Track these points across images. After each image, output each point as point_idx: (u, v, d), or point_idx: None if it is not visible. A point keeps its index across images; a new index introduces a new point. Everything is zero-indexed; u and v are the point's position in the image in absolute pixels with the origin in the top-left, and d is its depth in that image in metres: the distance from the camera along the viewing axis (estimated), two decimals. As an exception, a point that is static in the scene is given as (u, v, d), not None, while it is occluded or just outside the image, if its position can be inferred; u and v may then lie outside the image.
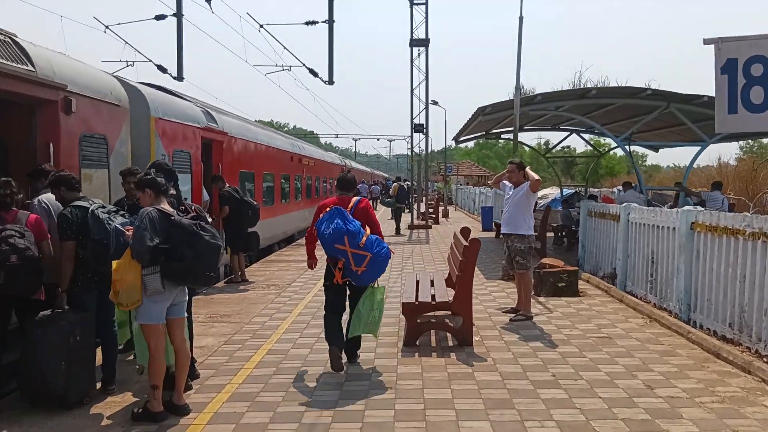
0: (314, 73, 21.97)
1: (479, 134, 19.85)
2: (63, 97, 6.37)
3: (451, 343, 6.69)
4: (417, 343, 6.62)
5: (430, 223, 22.83)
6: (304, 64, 22.14)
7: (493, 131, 19.48)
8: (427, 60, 21.48)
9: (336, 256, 5.44)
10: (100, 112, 7.22)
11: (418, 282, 7.83)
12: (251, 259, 14.41)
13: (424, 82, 22.07)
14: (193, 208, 5.41)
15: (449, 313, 6.73)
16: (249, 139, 13.60)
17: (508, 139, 20.33)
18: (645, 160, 74.42)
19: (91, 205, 5.16)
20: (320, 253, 5.99)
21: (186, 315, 4.90)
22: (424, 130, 22.29)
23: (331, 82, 22.25)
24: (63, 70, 6.49)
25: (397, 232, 20.32)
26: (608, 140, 25.45)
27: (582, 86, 18.25)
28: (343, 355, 5.78)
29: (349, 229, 5.37)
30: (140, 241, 4.33)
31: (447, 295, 6.94)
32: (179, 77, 21.58)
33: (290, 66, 22.77)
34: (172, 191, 5.27)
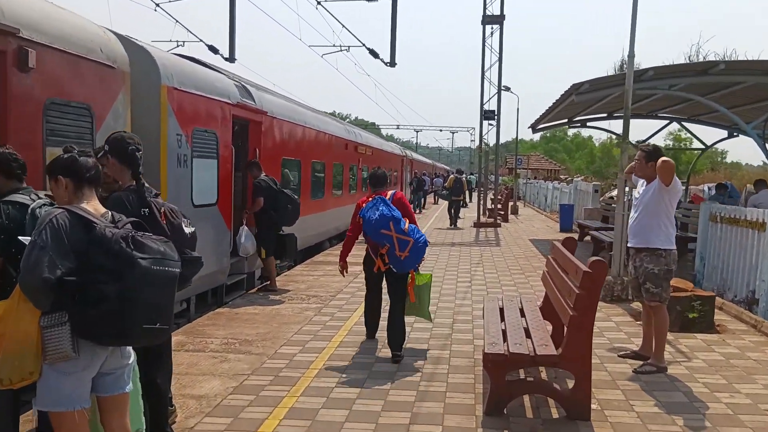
0: (375, 54, 20.05)
1: (561, 121, 17.31)
2: (16, 47, 4.59)
3: (555, 413, 4.52)
4: (505, 411, 4.49)
5: (498, 221, 20.46)
6: (363, 44, 20.25)
7: (578, 118, 16.91)
8: (501, 39, 19.15)
9: (381, 241, 5.62)
10: (81, 72, 5.41)
11: (502, 311, 5.67)
12: (294, 261, 12.58)
13: (497, 64, 19.72)
14: (163, 210, 3.50)
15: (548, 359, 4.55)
16: (295, 121, 11.72)
17: (596, 127, 17.71)
18: (724, 156, 68.61)
19: (34, 200, 3.34)
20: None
21: (126, 390, 2.92)
22: (495, 117, 19.92)
23: (392, 63, 20.27)
24: (17, 10, 4.70)
25: (453, 224, 19.61)
26: (695, 132, 22.12)
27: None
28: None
29: (394, 215, 5.59)
30: (33, 269, 2.42)
31: (548, 339, 4.74)
32: (231, 58, 20.17)
33: (348, 46, 20.92)
34: (132, 184, 3.40)
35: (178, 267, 2.85)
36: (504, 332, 5.09)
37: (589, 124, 17.24)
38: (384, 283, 6.14)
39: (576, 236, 16.05)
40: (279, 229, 9.03)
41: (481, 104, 19.76)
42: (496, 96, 19.73)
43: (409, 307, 6.05)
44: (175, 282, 2.81)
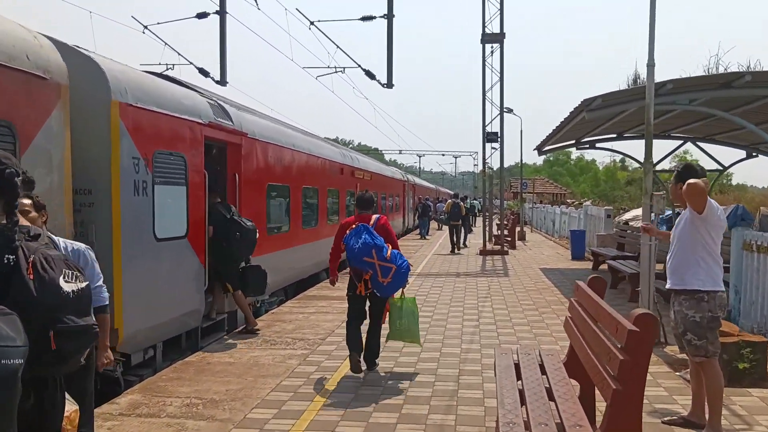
0: (371, 75, 19.27)
1: (569, 143, 16.34)
2: None
3: None
4: None
5: (506, 248, 19.36)
6: (359, 65, 19.48)
7: (586, 139, 15.92)
8: (502, 58, 18.30)
9: (364, 269, 5.84)
10: (-2, 83, 4.46)
11: (517, 368, 4.58)
12: (285, 296, 11.51)
13: (498, 84, 18.84)
14: (32, 259, 2.49)
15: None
16: (282, 144, 10.77)
17: (606, 149, 16.73)
18: (730, 179, 67.58)
19: None
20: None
21: None
22: (498, 139, 18.96)
23: (390, 84, 19.42)
24: None
25: (453, 250, 19.32)
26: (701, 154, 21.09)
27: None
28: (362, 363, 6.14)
29: (376, 243, 5.79)
30: None
31: (581, 416, 3.62)
32: (222, 81, 19.41)
33: (344, 68, 20.11)
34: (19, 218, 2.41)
35: (21, 355, 1.82)
36: (522, 394, 4.02)
37: (598, 145, 16.25)
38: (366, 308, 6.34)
39: (590, 265, 14.97)
40: (237, 262, 8.01)
41: (483, 126, 18.85)
42: (499, 117, 18.81)
43: (399, 331, 6.33)
44: (16, 378, 1.78)
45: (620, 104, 9.80)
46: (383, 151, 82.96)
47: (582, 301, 4.56)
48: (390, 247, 5.96)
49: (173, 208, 6.94)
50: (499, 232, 20.32)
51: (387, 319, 6.35)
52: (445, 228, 27.49)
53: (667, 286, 4.68)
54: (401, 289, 6.20)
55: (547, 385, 4.19)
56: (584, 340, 4.06)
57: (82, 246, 3.55)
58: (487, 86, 18.65)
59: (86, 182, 5.80)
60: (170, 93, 7.10)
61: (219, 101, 8.77)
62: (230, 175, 8.74)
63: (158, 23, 17.94)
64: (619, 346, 3.24)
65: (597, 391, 3.80)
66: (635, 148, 19.66)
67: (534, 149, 16.85)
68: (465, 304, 10.18)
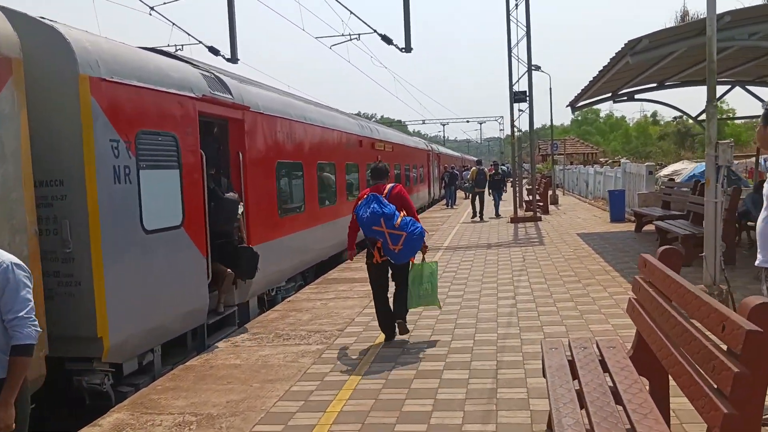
0: (388, 40, 18.22)
1: (604, 96, 15.09)
2: None
3: None
4: None
5: (538, 214, 18.32)
6: (375, 30, 18.46)
7: (624, 91, 14.67)
8: (528, 11, 16.99)
9: (374, 237, 5.95)
10: None
11: (572, 365, 3.71)
12: (304, 280, 10.78)
13: (525, 40, 17.56)
14: None
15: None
16: (291, 117, 9.90)
17: (646, 100, 15.46)
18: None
19: None
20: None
21: None
22: (527, 99, 17.77)
23: (408, 48, 18.36)
24: None
25: (478, 216, 19.17)
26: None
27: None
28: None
29: (385, 212, 5.87)
30: None
31: (653, 419, 2.74)
32: (233, 59, 18.67)
33: (358, 34, 19.08)
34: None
35: None
36: (580, 398, 3.20)
37: (637, 96, 14.98)
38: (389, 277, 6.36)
39: (634, 228, 13.87)
40: (222, 237, 7.42)
41: (510, 85, 17.65)
42: (527, 75, 17.59)
43: (419, 297, 6.34)
44: None
45: (668, 44, 8.62)
46: (406, 123, 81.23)
47: (653, 281, 3.64)
48: (402, 214, 6.03)
49: (164, 194, 6.17)
50: (531, 197, 19.24)
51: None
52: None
53: (757, 262, 3.71)
54: (421, 255, 6.36)
55: (612, 385, 3.35)
56: (663, 333, 3.15)
57: (6, 259, 2.77)
58: (513, 42, 17.42)
59: (56, 172, 5.06)
60: (154, 65, 6.27)
61: (216, 73, 7.93)
62: (233, 154, 7.95)
63: (165, 3, 17.09)
64: (730, 350, 2.34)
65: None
66: (677, 97, 18.17)
67: (567, 106, 15.66)
68: (499, 280, 9.29)
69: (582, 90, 14.02)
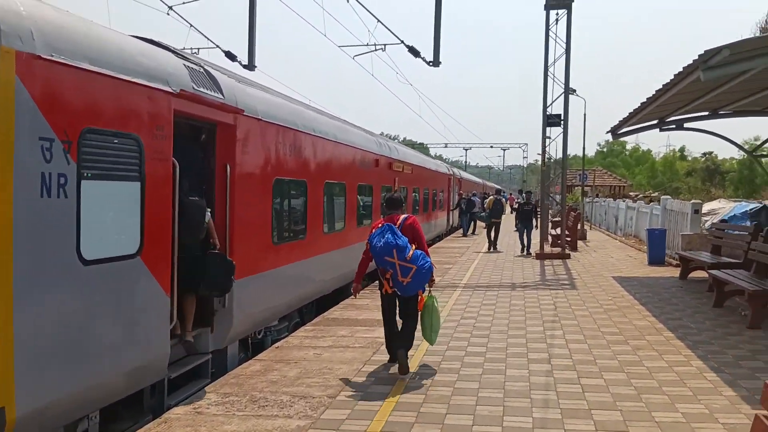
0: (415, 53, 17.03)
1: (650, 123, 13.66)
2: None
3: None
4: None
5: (567, 251, 16.78)
6: (402, 41, 17.30)
7: (673, 118, 13.22)
8: (569, 27, 15.65)
9: (385, 267, 6.00)
10: None
11: None
12: (301, 319, 9.40)
13: (564, 58, 16.22)
14: None
15: None
16: (297, 127, 8.61)
17: (698, 129, 13.99)
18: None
19: None
20: None
21: None
22: (561, 122, 16.37)
23: (436, 62, 17.15)
24: None
25: (492, 246, 18.67)
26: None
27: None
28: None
29: (398, 244, 5.93)
30: None
31: None
32: (250, 65, 17.59)
33: (384, 45, 17.94)
34: None
35: None
36: None
37: (687, 125, 13.50)
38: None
39: (675, 272, 12.27)
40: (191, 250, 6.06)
41: (544, 107, 16.26)
42: (562, 97, 16.21)
43: (423, 329, 6.34)
44: None
45: (748, 60, 7.17)
46: (429, 145, 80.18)
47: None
48: (414, 247, 6.08)
49: (116, 214, 4.85)
50: (558, 231, 17.73)
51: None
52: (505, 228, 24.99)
53: None
54: (427, 288, 6.37)
55: None
56: None
57: None
58: (550, 60, 16.07)
59: (-43, 178, 3.77)
60: (116, 46, 5.00)
61: (206, 66, 6.67)
62: (219, 167, 6.64)
63: (184, 2, 16.06)
64: None
65: None
66: (729, 128, 16.57)
67: (608, 132, 14.24)
68: (528, 333, 7.81)
69: (628, 115, 12.59)
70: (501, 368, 6.25)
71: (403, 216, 6.36)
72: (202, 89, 6.07)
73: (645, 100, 10.95)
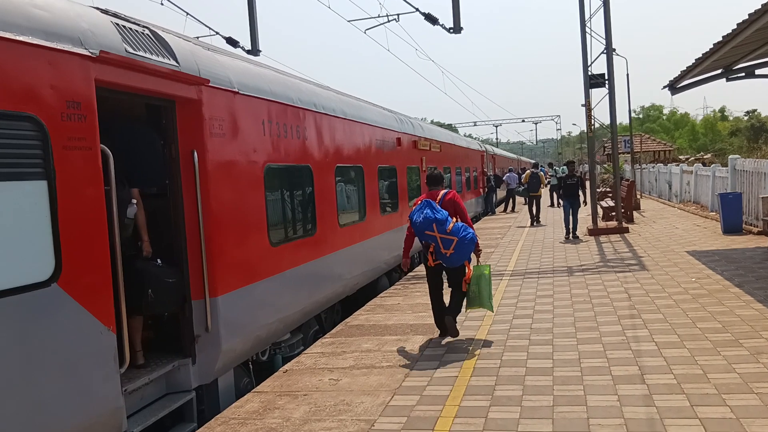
0: (433, 20, 15.37)
1: (714, 73, 11.62)
2: None
3: None
4: None
5: (624, 224, 14.83)
6: (417, 9, 15.66)
7: (741, 65, 11.17)
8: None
9: (427, 241, 6.18)
10: None
11: None
12: (321, 327, 7.91)
13: (602, 10, 14.19)
14: None
15: None
16: (292, 102, 7.02)
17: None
18: None
19: None
20: None
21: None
22: (606, 83, 14.37)
23: (457, 29, 15.42)
24: None
25: (534, 221, 18.21)
26: None
27: None
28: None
29: (437, 217, 6.04)
30: None
31: None
32: (254, 51, 16.20)
33: (397, 14, 16.22)
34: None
35: None
36: None
37: (759, 71, 11.42)
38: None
39: (761, 241, 10.26)
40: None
41: (585, 66, 14.25)
42: (605, 54, 14.19)
43: (471, 299, 6.48)
44: None
45: None
46: (456, 125, 77.81)
47: None
48: (455, 220, 6.15)
49: (8, 228, 3.36)
50: (613, 202, 15.76)
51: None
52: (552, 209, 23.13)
53: None
54: (475, 258, 6.52)
55: None
56: None
57: None
58: (587, 13, 14.06)
59: None
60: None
61: (152, 27, 5.12)
62: (184, 153, 5.11)
63: (179, -9, 14.61)
64: None
65: None
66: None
67: (664, 87, 12.23)
68: (603, 336, 6.09)
69: (688, 67, 10.62)
70: (578, 393, 4.58)
71: (443, 191, 6.44)
72: (141, 53, 4.52)
73: (712, 45, 9.02)
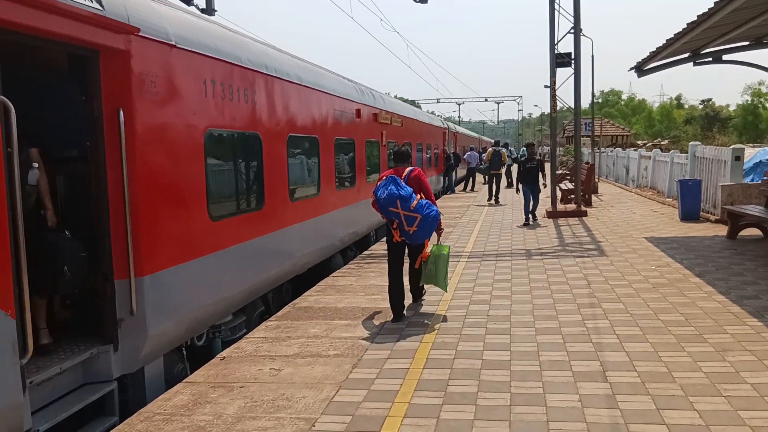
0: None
1: (682, 56, 11.44)
2: None
3: None
4: None
5: (582, 207, 14.72)
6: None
7: (709, 50, 11.00)
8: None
9: (391, 218, 6.15)
10: None
11: None
12: (267, 308, 7.42)
13: (571, -15, 13.83)
14: None
15: None
16: (239, 61, 6.38)
17: (736, 62, 11.78)
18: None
19: None
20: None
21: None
22: (573, 63, 14.07)
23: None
24: None
25: (492, 199, 18.46)
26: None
27: None
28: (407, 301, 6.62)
29: (401, 194, 6.02)
30: None
31: None
32: (208, 9, 15.21)
33: (362, -21, 15.53)
34: None
35: None
36: None
37: (726, 57, 11.28)
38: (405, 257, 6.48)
39: (715, 229, 10.22)
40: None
41: (552, 43, 13.90)
42: (572, 34, 13.86)
43: (427, 276, 6.57)
44: None
45: None
46: (419, 102, 77.16)
47: None
48: (419, 197, 6.14)
49: None
50: (572, 185, 15.64)
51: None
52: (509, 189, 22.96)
53: None
54: (437, 237, 6.76)
55: None
56: None
57: None
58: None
59: None
60: None
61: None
62: (108, 112, 4.47)
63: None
64: None
65: None
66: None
67: (630, 69, 12.00)
68: (562, 326, 5.79)
69: (657, 48, 10.39)
70: (537, 391, 4.24)
71: (408, 169, 6.44)
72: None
73: (686, 25, 8.75)
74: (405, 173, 6.35)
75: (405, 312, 6.39)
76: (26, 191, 4.22)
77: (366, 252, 10.71)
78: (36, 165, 4.32)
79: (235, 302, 6.34)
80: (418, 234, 6.09)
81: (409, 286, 6.66)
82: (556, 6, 13.94)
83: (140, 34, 4.62)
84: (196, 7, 14.68)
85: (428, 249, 6.49)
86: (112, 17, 4.35)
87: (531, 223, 13.14)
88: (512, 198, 19.14)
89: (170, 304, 4.99)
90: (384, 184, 6.13)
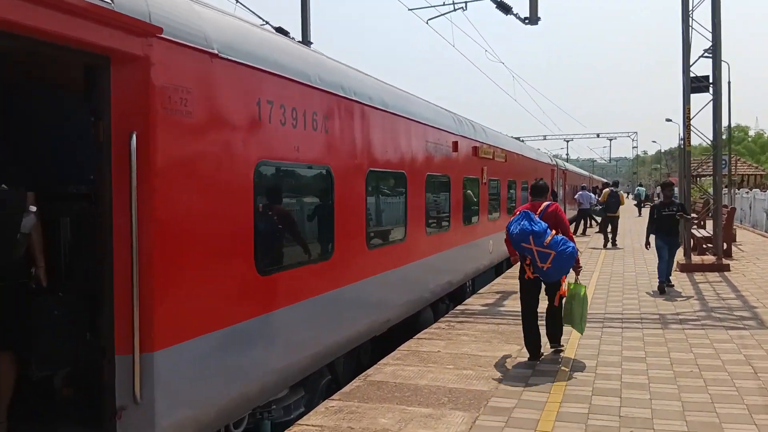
0: (505, 9, 13.55)
1: None
2: None
3: None
4: None
5: (723, 260, 12.32)
6: (488, -5, 13.84)
7: None
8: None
9: (524, 253, 6.03)
10: None
11: None
12: (335, 374, 6.14)
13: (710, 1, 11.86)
14: None
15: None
16: (307, 81, 5.28)
17: None
18: None
19: None
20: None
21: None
22: (710, 87, 11.98)
23: (534, 19, 13.55)
24: None
25: (610, 242, 17.08)
26: None
27: None
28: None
29: (534, 230, 5.86)
30: None
31: None
32: (304, 41, 14.79)
33: (464, 2, 14.40)
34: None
35: None
36: None
37: None
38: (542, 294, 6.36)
39: None
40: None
41: (685, 66, 11.91)
42: (711, 54, 11.82)
43: (565, 315, 6.36)
44: None
45: None
46: (524, 138, 74.69)
47: None
48: (554, 233, 5.93)
49: None
50: (710, 233, 13.26)
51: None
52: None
53: None
54: (575, 274, 6.38)
55: None
56: None
57: None
58: (690, 2, 11.74)
59: None
60: None
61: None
62: (117, 134, 3.44)
63: (226, -24, 13.53)
64: None
65: None
66: None
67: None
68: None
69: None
70: None
71: (545, 203, 6.34)
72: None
73: None
74: (541, 208, 6.24)
75: (542, 351, 6.23)
76: (17, 240, 3.28)
77: (459, 307, 9.21)
78: (33, 209, 3.40)
79: (291, 375, 5.10)
80: (552, 271, 5.93)
81: (546, 323, 6.39)
82: (690, 21, 11.97)
83: (166, 36, 3.59)
84: (292, 39, 14.29)
85: (564, 286, 6.16)
86: (125, 13, 3.34)
87: (667, 290, 9.82)
88: (632, 244, 16.88)
89: (192, 385, 3.83)
90: (517, 219, 6.04)
